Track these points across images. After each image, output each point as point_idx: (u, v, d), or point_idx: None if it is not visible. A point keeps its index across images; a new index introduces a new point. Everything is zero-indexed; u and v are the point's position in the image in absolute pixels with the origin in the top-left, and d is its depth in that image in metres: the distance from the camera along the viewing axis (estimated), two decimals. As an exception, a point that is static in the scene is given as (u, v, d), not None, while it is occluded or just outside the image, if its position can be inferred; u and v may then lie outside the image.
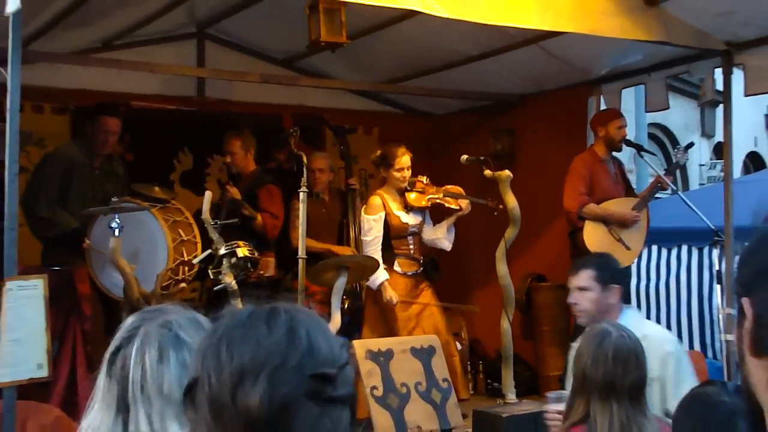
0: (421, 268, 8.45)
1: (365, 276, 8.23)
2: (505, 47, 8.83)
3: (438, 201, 8.36)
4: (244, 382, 1.43)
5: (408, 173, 8.31)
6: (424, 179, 8.39)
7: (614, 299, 5.38)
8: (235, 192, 8.35)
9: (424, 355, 6.96)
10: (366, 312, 8.42)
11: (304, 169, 7.73)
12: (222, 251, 7.08)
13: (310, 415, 1.44)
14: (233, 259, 7.06)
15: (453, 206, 8.34)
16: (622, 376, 3.85)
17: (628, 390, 3.85)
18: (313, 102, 10.25)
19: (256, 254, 7.40)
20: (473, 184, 8.47)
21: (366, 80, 10.26)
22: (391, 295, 8.04)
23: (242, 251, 7.15)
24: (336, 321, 7.25)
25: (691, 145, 9.76)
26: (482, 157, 8.11)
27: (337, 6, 7.44)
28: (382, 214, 8.23)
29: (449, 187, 8.44)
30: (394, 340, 7.20)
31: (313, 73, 10.09)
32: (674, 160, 9.15)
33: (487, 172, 7.91)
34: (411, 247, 8.40)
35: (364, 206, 8.38)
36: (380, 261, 8.08)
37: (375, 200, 8.32)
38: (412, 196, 8.35)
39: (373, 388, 6.57)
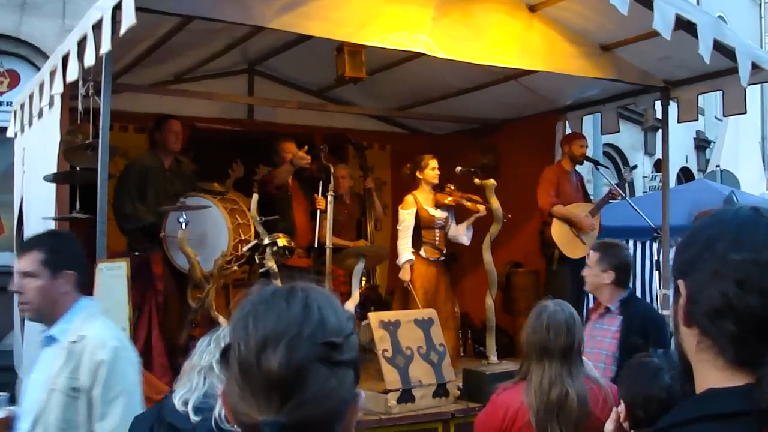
0: (443, 258, 8.47)
1: (379, 262, 8.22)
2: (490, 82, 8.84)
3: (462, 202, 8.37)
4: (266, 349, 1.43)
5: (438, 171, 8.40)
6: (452, 186, 8.43)
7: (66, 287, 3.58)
8: None
9: (425, 324, 6.95)
10: (396, 288, 8.52)
11: (332, 177, 7.75)
12: (266, 241, 7.08)
13: (320, 375, 1.44)
14: (275, 248, 7.07)
15: (473, 209, 8.34)
16: (554, 340, 3.88)
17: (559, 352, 3.87)
18: (338, 124, 10.24)
19: (293, 244, 7.41)
20: (465, 190, 8.45)
21: (381, 107, 10.25)
22: (406, 275, 8.06)
23: (282, 241, 7.15)
24: (355, 297, 7.27)
25: (635, 166, 9.81)
26: (472, 169, 8.14)
27: (359, 49, 7.45)
28: (414, 209, 8.28)
29: (470, 194, 8.46)
30: (401, 313, 7.19)
31: (339, 101, 10.08)
32: (624, 177, 9.24)
33: (477, 181, 7.93)
34: (437, 238, 8.41)
35: (401, 203, 8.44)
36: (410, 246, 8.18)
37: (409, 198, 8.39)
38: (441, 196, 8.40)
39: (384, 350, 6.56)
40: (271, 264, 6.95)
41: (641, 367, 3.08)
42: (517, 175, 9.36)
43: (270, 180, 8.29)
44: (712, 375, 1.47)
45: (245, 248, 7.23)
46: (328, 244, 7.53)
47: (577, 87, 8.82)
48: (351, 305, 7.13)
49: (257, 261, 7.15)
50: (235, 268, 7.58)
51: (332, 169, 7.89)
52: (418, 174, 8.37)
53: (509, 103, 9.48)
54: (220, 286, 7.36)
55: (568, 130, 9.49)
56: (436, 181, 8.37)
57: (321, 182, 8.31)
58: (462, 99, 9.43)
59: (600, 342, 5.37)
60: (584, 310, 11.13)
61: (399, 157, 10.30)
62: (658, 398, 2.88)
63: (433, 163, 8.37)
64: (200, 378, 3.03)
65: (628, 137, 17.76)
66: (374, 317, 6.79)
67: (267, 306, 1.50)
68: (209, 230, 7.40)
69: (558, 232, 8.50)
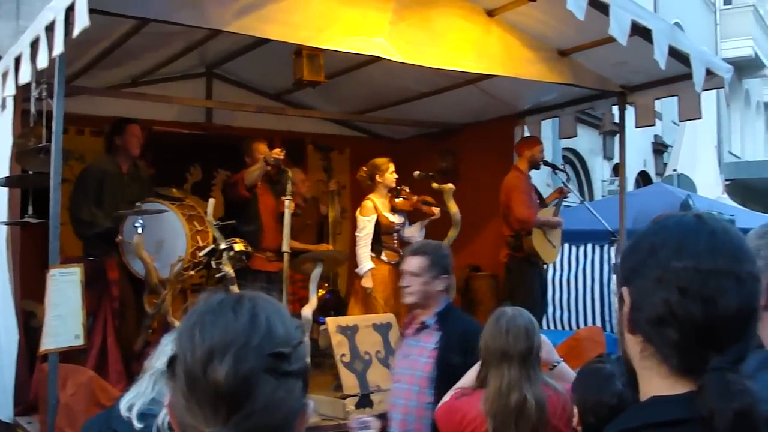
0: (401, 260, 8.43)
1: (337, 267, 8.20)
2: (449, 86, 8.86)
3: (416, 206, 8.37)
4: (213, 360, 1.41)
5: (396, 176, 8.37)
6: (407, 188, 8.41)
7: None
8: None
9: (383, 329, 6.94)
10: (352, 291, 8.43)
11: (289, 182, 7.72)
12: (222, 246, 7.04)
13: (268, 386, 1.43)
14: (231, 252, 7.03)
15: (428, 212, 8.34)
16: (513, 345, 3.86)
17: (518, 357, 3.86)
18: (297, 128, 10.21)
19: (250, 248, 7.38)
20: (423, 194, 8.45)
21: (340, 111, 10.24)
22: (368, 284, 8.03)
23: (239, 246, 7.12)
24: (312, 302, 7.25)
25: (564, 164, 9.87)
26: (430, 173, 8.18)
27: (317, 52, 7.42)
28: (374, 216, 8.22)
29: (425, 197, 8.45)
30: (359, 318, 7.18)
31: (298, 105, 10.07)
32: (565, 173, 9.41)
33: (434, 185, 7.97)
34: (395, 241, 8.39)
35: (359, 209, 8.36)
36: (369, 253, 8.11)
37: (368, 204, 8.30)
38: (398, 201, 8.37)
39: (342, 355, 6.55)
40: (227, 269, 6.91)
41: (593, 372, 3.09)
42: (476, 179, 9.38)
43: (241, 181, 8.18)
44: (655, 382, 1.47)
45: (202, 253, 7.18)
46: (285, 248, 7.48)
47: (535, 91, 8.86)
48: (308, 310, 7.11)
49: (213, 266, 7.10)
50: (192, 273, 7.52)
51: (290, 173, 7.84)
52: (378, 178, 8.34)
53: (468, 107, 9.50)
54: (176, 291, 7.31)
55: (526, 134, 9.52)
56: (395, 184, 8.37)
57: (280, 185, 8.27)
58: (421, 103, 9.44)
59: (414, 362, 4.76)
60: (551, 316, 11.28)
61: (358, 161, 10.22)
62: (609, 404, 2.89)
63: (392, 166, 8.37)
64: (150, 382, 2.99)
65: (587, 141, 17.88)
66: (332, 322, 6.77)
67: (214, 316, 1.48)
68: (167, 236, 7.34)
69: (537, 240, 8.53)
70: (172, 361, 1.48)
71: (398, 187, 8.37)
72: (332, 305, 8.96)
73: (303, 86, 8.00)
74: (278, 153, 7.96)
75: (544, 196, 9.43)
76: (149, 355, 3.12)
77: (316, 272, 7.37)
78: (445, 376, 4.41)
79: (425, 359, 4.69)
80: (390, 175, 8.32)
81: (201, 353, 1.43)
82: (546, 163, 8.95)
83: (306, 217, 8.89)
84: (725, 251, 1.45)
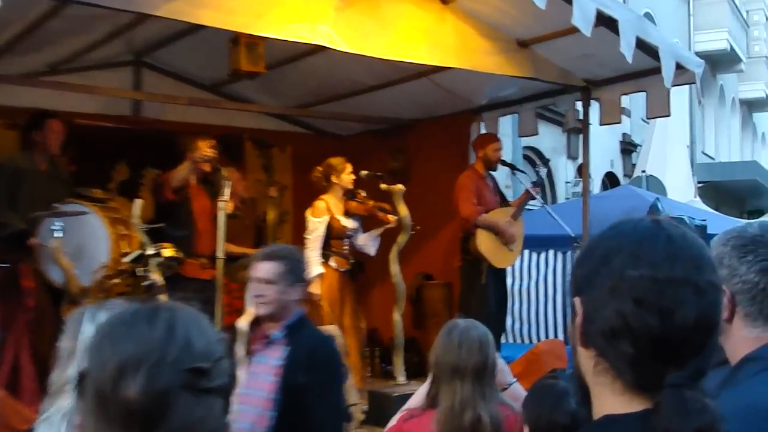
0: (351, 268, 8.45)
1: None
2: (400, 79, 8.88)
3: (372, 212, 8.36)
4: (124, 376, 1.40)
5: (354, 177, 8.37)
6: (363, 193, 8.40)
7: None
8: None
9: (325, 342, 6.92)
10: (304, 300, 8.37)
11: (224, 182, 7.67)
12: (150, 251, 6.98)
13: (184, 404, 1.42)
14: (160, 259, 6.97)
15: (384, 219, 8.34)
16: (466, 358, 3.86)
17: (472, 372, 3.86)
18: (235, 123, 10.15)
19: (181, 254, 7.33)
20: (371, 196, 8.46)
21: (281, 105, 10.19)
22: (315, 290, 7.99)
23: (168, 252, 7.06)
24: (249, 313, 7.19)
25: (547, 161, 9.86)
26: (379, 173, 8.20)
27: (256, 40, 7.38)
28: (327, 218, 8.21)
29: (382, 203, 8.44)
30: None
31: (235, 98, 10.03)
32: (539, 175, 9.41)
33: (383, 186, 7.99)
34: (346, 247, 8.39)
35: (310, 209, 8.31)
36: (319, 257, 8.09)
37: (321, 204, 8.28)
38: (353, 204, 8.37)
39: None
40: (156, 277, 6.85)
41: (546, 390, 3.11)
42: (429, 180, 9.41)
43: (167, 183, 8.08)
44: (609, 400, 1.49)
45: (126, 259, 7.11)
46: (219, 253, 7.44)
47: (492, 85, 8.91)
48: (244, 321, 7.05)
49: (139, 274, 7.04)
50: (117, 281, 7.44)
51: (224, 172, 7.79)
52: (334, 179, 8.32)
53: (420, 101, 9.54)
54: (98, 300, 7.22)
55: (484, 132, 9.57)
56: (352, 186, 8.37)
57: (216, 185, 8.21)
58: (370, 97, 9.46)
59: (259, 381, 4.44)
60: (510, 328, 11.34)
61: (301, 160, 10.26)
62: (562, 424, 2.90)
63: (349, 167, 8.36)
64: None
65: (550, 140, 18.01)
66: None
67: (126, 328, 1.47)
68: (88, 241, 7.25)
69: (484, 242, 8.53)
70: (81, 378, 1.46)
71: (355, 190, 8.37)
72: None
73: (241, 77, 7.97)
74: (206, 149, 7.88)
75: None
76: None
77: (254, 281, 7.34)
78: (288, 397, 4.21)
79: (270, 378, 4.39)
80: (347, 177, 8.31)
81: (111, 369, 1.42)
82: (504, 163, 8.98)
83: (244, 220, 8.84)
84: (684, 259, 1.47)
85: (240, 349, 7.09)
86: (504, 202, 9.18)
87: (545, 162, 9.76)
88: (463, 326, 3.98)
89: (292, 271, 4.51)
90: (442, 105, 9.56)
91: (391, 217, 8.25)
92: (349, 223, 8.35)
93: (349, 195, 8.39)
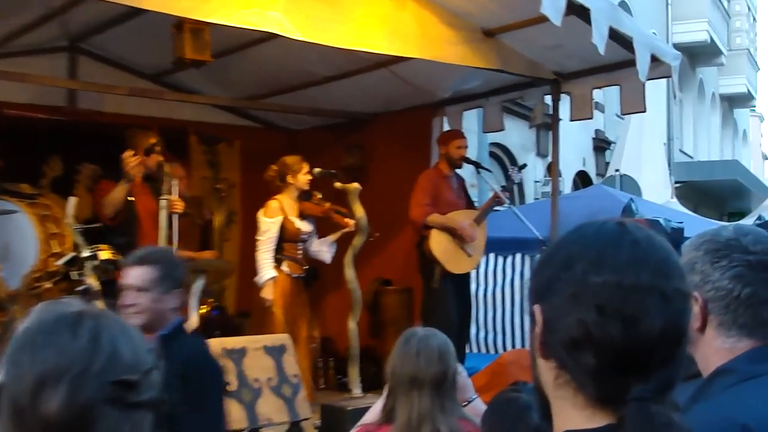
0: (305, 274, 8.44)
1: (224, 279, 8.15)
2: (357, 70, 8.89)
3: (328, 215, 8.35)
4: (44, 388, 1.38)
5: (310, 177, 8.34)
6: (319, 195, 8.38)
7: None
8: None
9: (276, 352, 6.93)
10: (253, 307, 8.33)
11: (168, 179, 7.63)
12: (85, 254, 6.92)
13: (109, 420, 1.40)
14: (95, 262, 6.92)
15: (341, 223, 8.33)
16: (425, 369, 3.85)
17: (430, 383, 3.85)
18: (178, 115, 10.07)
19: (119, 256, 7.26)
20: (326, 195, 8.45)
21: (229, 96, 10.16)
22: (268, 294, 7.97)
23: (105, 254, 7.01)
24: (193, 321, 7.19)
25: (524, 166, 10.00)
26: (332, 171, 8.18)
27: (202, 26, 7.34)
28: (280, 218, 8.18)
29: (339, 207, 8.42)
30: (248, 339, 7.16)
31: (179, 88, 9.98)
32: (511, 178, 9.38)
33: (337, 184, 7.97)
34: (299, 252, 8.37)
35: (263, 209, 8.27)
36: (272, 260, 8.06)
37: (274, 204, 8.25)
38: (308, 206, 8.37)
39: (227, 383, 6.50)
40: (91, 281, 6.80)
41: (507, 404, 3.11)
42: (387, 179, 9.42)
43: (100, 206, 7.95)
44: (570, 414, 1.49)
45: (59, 262, 7.05)
46: (162, 256, 7.40)
47: (456, 77, 8.94)
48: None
49: (73, 278, 6.98)
50: (49, 285, 7.38)
51: (167, 168, 7.75)
52: (289, 179, 8.29)
53: (379, 94, 9.55)
54: (29, 307, 7.16)
55: (446, 127, 9.59)
56: (308, 187, 8.35)
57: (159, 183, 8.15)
58: (325, 89, 9.46)
59: None
60: (474, 337, 11.36)
61: (251, 156, 10.24)
62: None
63: (306, 167, 8.33)
64: None
65: (518, 136, 18.08)
66: (216, 344, 6.70)
67: (47, 337, 1.45)
68: (14, 240, 7.20)
69: (438, 244, 8.53)
70: None
71: (311, 191, 8.35)
72: (217, 324, 8.89)
73: (185, 66, 7.92)
74: (133, 162, 7.69)
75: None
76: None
77: (198, 285, 7.33)
78: (164, 417, 4.15)
79: None
80: (303, 177, 8.28)
81: (30, 381, 1.40)
82: (468, 161, 8.99)
83: (186, 220, 8.76)
84: (650, 264, 1.47)
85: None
86: (470, 204, 9.20)
87: (519, 166, 9.74)
88: (422, 335, 3.98)
89: (168, 277, 4.33)
90: (402, 98, 9.58)
91: (349, 221, 8.24)
92: (304, 226, 8.34)
93: (304, 196, 8.37)
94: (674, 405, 1.46)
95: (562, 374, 1.49)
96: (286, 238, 8.22)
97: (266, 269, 8.02)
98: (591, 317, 1.43)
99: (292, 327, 7.94)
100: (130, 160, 7.57)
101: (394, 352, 3.99)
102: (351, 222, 8.22)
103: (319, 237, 8.57)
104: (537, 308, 1.52)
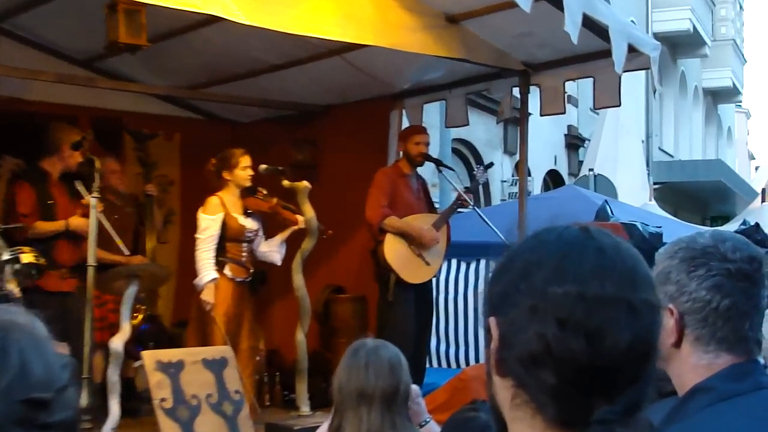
0: (250, 278, 8.39)
1: (159, 285, 8.11)
2: (308, 57, 8.89)
3: (276, 211, 8.30)
4: None
5: (251, 172, 8.27)
6: (264, 191, 8.33)
7: None
8: None
9: (216, 366, 6.90)
10: (191, 312, 8.27)
11: (96, 174, 7.58)
12: (4, 257, 6.86)
13: None
14: (16, 266, 6.86)
15: (290, 220, 8.28)
16: (374, 382, 3.86)
17: (380, 397, 3.86)
18: (112, 105, 10.03)
19: (42, 260, 7.21)
20: (273, 194, 8.42)
21: (168, 85, 10.12)
22: (208, 297, 7.92)
23: (27, 257, 6.95)
24: (125, 331, 7.15)
25: (490, 165, 10.00)
26: (280, 168, 8.15)
27: (137, 7, 7.29)
28: (221, 215, 8.12)
29: (287, 203, 8.38)
30: (186, 351, 7.12)
31: (112, 75, 9.91)
32: (476, 178, 9.40)
33: (285, 183, 7.95)
34: (244, 253, 8.31)
35: (203, 206, 8.21)
36: (213, 261, 8.00)
37: (214, 200, 8.19)
38: (252, 201, 8.32)
39: (163, 399, 6.48)
40: (12, 286, 6.74)
41: (465, 423, 3.13)
42: (341, 177, 9.43)
43: (22, 231, 7.89)
44: (529, 437, 1.49)
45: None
46: (91, 260, 7.35)
47: (416, 67, 8.96)
48: (119, 341, 7.01)
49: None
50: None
51: (98, 164, 7.71)
52: (225, 174, 8.25)
53: (332, 84, 9.55)
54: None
55: (405, 121, 9.60)
56: (249, 183, 8.29)
57: (83, 180, 8.10)
58: (273, 78, 9.45)
59: None
60: (435, 350, 11.37)
61: (191, 150, 10.21)
62: None
63: (246, 160, 8.27)
64: None
65: (484, 132, 18.16)
66: (149, 357, 6.69)
67: None
68: None
69: (393, 250, 8.51)
70: None
71: (255, 187, 8.29)
72: (151, 335, 8.86)
73: (119, 51, 7.86)
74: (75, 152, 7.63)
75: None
76: None
77: (130, 291, 7.28)
78: None
79: None
80: (242, 172, 8.21)
81: None
82: (428, 158, 8.98)
83: (117, 221, 8.72)
84: (616, 274, 1.47)
85: (113, 375, 7.06)
86: (431, 207, 9.18)
87: (485, 165, 9.73)
88: (372, 346, 3.99)
89: None
90: (358, 89, 9.59)
91: (299, 218, 8.21)
92: (249, 223, 8.29)
93: (248, 193, 8.33)
94: (646, 425, 1.47)
95: (519, 393, 1.49)
96: (228, 237, 8.17)
97: (206, 270, 7.96)
98: (551, 331, 1.43)
99: (234, 337, 7.90)
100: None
101: (341, 365, 4.00)
102: (301, 219, 8.19)
103: (268, 237, 8.53)
104: (493, 321, 1.52)
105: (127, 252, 8.35)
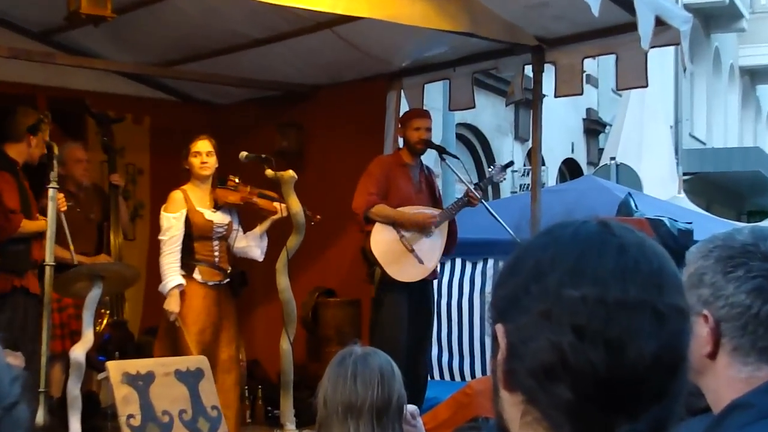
0: (227, 280, 8.35)
1: (126, 287, 8.10)
2: (294, 31, 8.89)
3: (251, 201, 8.23)
4: None
5: (210, 160, 8.15)
6: (236, 179, 8.27)
7: None
8: None
9: (190, 378, 6.89)
10: (161, 326, 8.25)
11: (55, 162, 7.58)
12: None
13: None
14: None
15: (269, 209, 8.23)
16: (363, 395, 3.84)
17: (370, 410, 3.83)
18: (73, 84, 10.05)
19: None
20: (257, 186, 8.39)
21: (136, 62, 10.14)
22: (171, 306, 7.89)
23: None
24: (87, 338, 7.14)
25: (510, 164, 9.93)
26: (263, 155, 8.11)
27: (101, -28, 7.31)
28: (184, 212, 8.07)
29: (264, 190, 8.33)
30: (156, 362, 7.11)
31: (74, 51, 9.90)
32: (488, 176, 9.35)
33: (269, 172, 7.90)
34: (216, 253, 8.26)
35: (165, 204, 8.18)
36: (178, 264, 7.97)
37: (176, 195, 8.14)
38: (222, 192, 8.22)
39: (130, 416, 6.47)
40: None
41: None
42: (331, 166, 9.45)
43: None
44: (540, 461, 1.48)
45: None
46: (48, 259, 7.35)
47: (416, 43, 8.96)
48: (81, 350, 7.00)
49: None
50: None
51: (56, 150, 7.70)
52: (185, 163, 8.22)
53: (321, 62, 9.56)
54: None
55: (405, 105, 9.59)
56: (205, 173, 8.17)
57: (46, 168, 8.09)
58: (254, 54, 9.46)
59: None
60: (436, 361, 11.38)
61: (163, 135, 10.22)
62: None
63: (200, 145, 8.17)
64: None
65: (492, 115, 18.15)
66: (115, 368, 6.68)
67: None
68: None
69: (379, 241, 8.44)
70: None
71: (225, 177, 8.22)
72: (117, 343, 8.85)
73: (81, 23, 7.88)
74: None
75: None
76: None
77: (94, 294, 7.26)
78: None
79: None
80: (194, 159, 8.12)
81: None
82: (430, 145, 8.95)
83: (80, 215, 8.72)
84: (640, 275, 1.45)
85: (74, 389, 7.05)
86: (435, 202, 9.08)
87: (504, 164, 9.65)
88: (360, 354, 3.98)
89: None
90: (350, 67, 9.61)
91: (278, 205, 8.16)
92: (218, 218, 8.22)
93: (218, 183, 8.26)
94: None
95: (530, 410, 1.48)
96: (196, 235, 8.12)
97: (170, 275, 7.93)
98: (567, 340, 1.42)
99: (211, 348, 7.90)
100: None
101: (326, 375, 3.98)
102: (281, 206, 8.13)
103: (246, 231, 8.49)
104: (500, 329, 1.51)
105: (76, 261, 8.26)
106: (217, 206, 8.24)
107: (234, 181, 8.24)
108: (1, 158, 8.10)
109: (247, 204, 8.29)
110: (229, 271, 8.33)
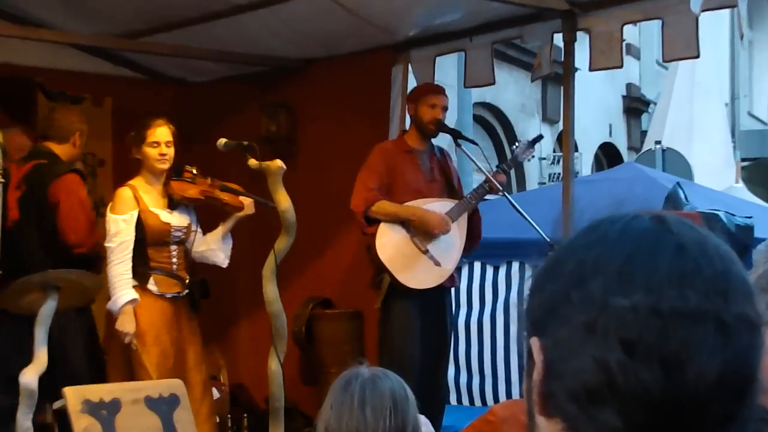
0: (186, 291, 8.34)
1: (87, 300, 8.12)
2: (282, -5, 8.89)
3: (213, 195, 8.20)
4: None
5: (168, 151, 8.10)
6: (194, 169, 8.23)
7: None
8: None
9: (163, 406, 6.91)
10: (109, 345, 8.26)
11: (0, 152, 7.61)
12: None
13: None
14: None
15: (233, 204, 8.21)
16: (373, 424, 3.87)
17: None
18: (21, 59, 10.06)
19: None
20: (239, 178, 8.40)
21: (95, 33, 10.15)
22: (126, 325, 7.87)
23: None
24: (41, 360, 7.14)
25: (539, 138, 9.91)
26: (246, 143, 8.08)
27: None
28: (135, 213, 8.03)
29: (227, 183, 8.31)
30: (123, 387, 7.13)
31: (23, 21, 9.92)
32: (513, 155, 9.32)
33: (252, 162, 7.85)
34: (174, 259, 8.26)
35: (111, 203, 8.18)
36: (129, 275, 7.96)
37: (124, 193, 8.09)
38: (177, 186, 8.18)
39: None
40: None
41: None
42: (326, 154, 9.47)
43: None
44: (583, 497, 1.48)
45: None
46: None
47: (426, 8, 8.99)
48: (33, 375, 7.01)
49: None
50: None
51: (0, 138, 7.73)
52: (135, 152, 8.18)
53: (313, 32, 9.59)
54: None
55: (412, 81, 9.59)
56: (163, 166, 8.14)
57: None
58: (235, 23, 9.47)
59: None
60: (453, 383, 11.40)
61: (127, 119, 10.18)
62: None
63: (159, 132, 8.12)
64: None
65: (516, 93, 18.18)
66: (74, 395, 6.69)
67: None
68: None
69: (388, 242, 8.42)
70: None
71: (181, 167, 8.17)
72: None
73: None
74: None
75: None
76: None
77: (48, 308, 7.27)
78: None
79: None
80: (150, 150, 8.08)
81: None
82: (444, 128, 8.93)
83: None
84: (701, 280, 1.45)
85: (24, 420, 7.06)
86: (451, 192, 9.03)
87: (532, 139, 9.63)
88: (368, 376, 3.99)
89: None
90: (348, 37, 9.63)
91: (243, 200, 8.15)
92: (175, 219, 8.20)
93: (173, 174, 8.21)
94: None
95: (571, 439, 1.48)
96: (150, 240, 8.09)
97: (122, 289, 7.91)
98: (614, 357, 1.41)
99: (178, 372, 7.90)
100: None
101: (328, 402, 4.01)
102: (246, 201, 8.12)
103: (206, 232, 8.48)
104: (535, 343, 1.50)
105: None
106: (173, 203, 8.17)
107: (191, 173, 8.18)
108: None
109: (208, 199, 8.24)
110: (187, 281, 8.30)
